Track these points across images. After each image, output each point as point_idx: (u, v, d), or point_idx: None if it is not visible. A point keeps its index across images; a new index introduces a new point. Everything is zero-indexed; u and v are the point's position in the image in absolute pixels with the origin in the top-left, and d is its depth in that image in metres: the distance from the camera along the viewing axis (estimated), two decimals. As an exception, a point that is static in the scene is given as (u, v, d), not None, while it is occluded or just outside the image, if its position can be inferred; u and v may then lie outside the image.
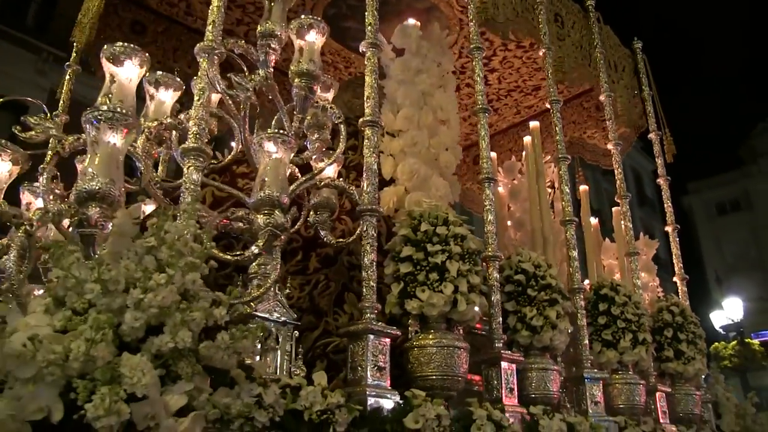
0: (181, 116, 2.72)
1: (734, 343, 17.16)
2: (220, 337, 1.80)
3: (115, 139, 1.82)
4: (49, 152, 2.26)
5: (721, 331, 18.04)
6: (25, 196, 2.53)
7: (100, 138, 1.81)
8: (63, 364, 1.57)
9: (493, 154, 4.10)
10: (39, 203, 2.43)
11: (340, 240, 2.82)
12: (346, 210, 3.20)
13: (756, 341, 21.70)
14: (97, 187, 1.75)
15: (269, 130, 2.29)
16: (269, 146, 2.24)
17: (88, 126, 1.84)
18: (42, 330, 1.65)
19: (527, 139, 4.18)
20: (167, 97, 2.67)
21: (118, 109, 1.84)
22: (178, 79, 2.74)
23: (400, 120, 3.19)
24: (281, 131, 2.28)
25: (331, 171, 2.88)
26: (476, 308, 2.82)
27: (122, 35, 4.67)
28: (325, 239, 2.81)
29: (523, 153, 4.36)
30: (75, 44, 4.41)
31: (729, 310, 18.11)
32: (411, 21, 3.55)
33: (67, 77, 4.40)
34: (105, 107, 1.84)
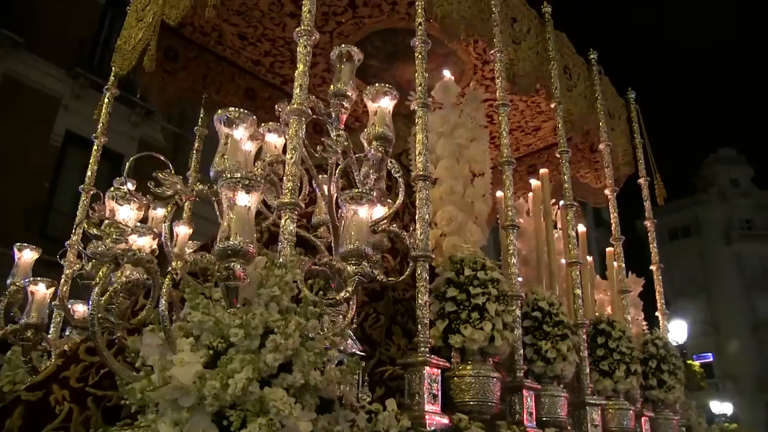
0: (258, 164, 3.03)
1: (677, 364, 18.02)
2: (332, 372, 2.14)
3: (248, 201, 2.14)
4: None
5: (665, 352, 18.98)
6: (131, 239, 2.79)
7: (235, 200, 2.13)
8: (220, 396, 1.89)
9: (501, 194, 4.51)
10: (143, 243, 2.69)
11: (391, 279, 3.17)
12: (387, 249, 3.55)
13: (697, 363, 22.83)
14: (239, 246, 2.06)
15: (354, 190, 2.63)
16: (355, 205, 2.58)
17: (223, 188, 2.15)
18: (196, 367, 1.97)
19: (535, 182, 4.59)
20: (251, 147, 2.98)
21: (251, 176, 2.17)
22: (261, 130, 3.05)
23: (439, 170, 3.56)
24: (365, 191, 2.62)
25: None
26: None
27: (156, 61, 4.91)
28: (377, 278, 3.15)
29: (529, 194, 4.76)
30: (114, 69, 4.63)
31: (674, 333, 19.08)
32: (448, 75, 3.93)
33: (106, 100, 4.62)
34: (239, 174, 2.16)
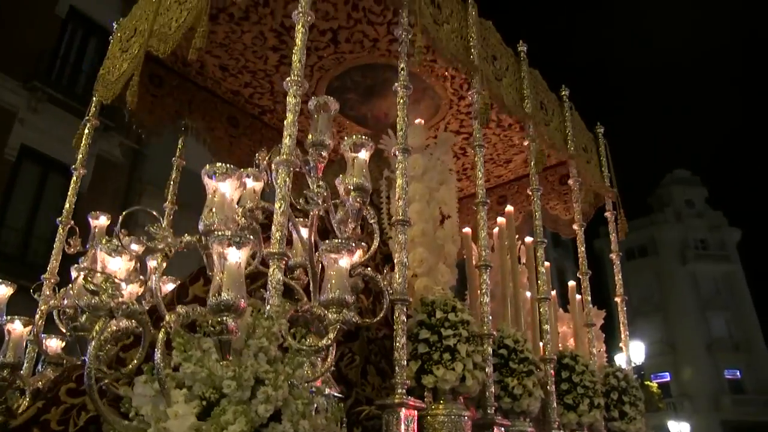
0: (239, 211, 3.13)
1: (635, 386, 18.44)
2: (318, 420, 2.26)
3: (239, 257, 2.25)
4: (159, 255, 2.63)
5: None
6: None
7: (226, 256, 2.24)
8: (214, 447, 1.99)
9: (468, 230, 4.68)
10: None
11: (366, 320, 3.28)
12: (361, 289, 3.67)
13: (654, 383, 23.32)
14: (231, 301, 2.17)
15: (335, 240, 2.75)
16: (336, 255, 2.70)
17: (215, 244, 2.25)
18: (191, 419, 2.06)
19: (500, 219, 4.77)
20: (234, 195, 3.07)
21: (242, 233, 2.28)
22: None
23: (411, 213, 3.68)
24: (346, 241, 2.75)
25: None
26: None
27: (142, 86, 4.93)
28: (352, 319, 3.26)
29: (495, 230, 4.93)
30: (95, 98, 4.68)
31: (632, 354, 19.53)
32: (419, 121, 4.10)
33: (86, 131, 4.66)
34: (229, 232, 2.27)
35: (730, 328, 36.36)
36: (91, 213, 4.31)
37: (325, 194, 2.97)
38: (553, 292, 5.06)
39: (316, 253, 3.08)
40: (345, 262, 2.73)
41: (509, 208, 4.77)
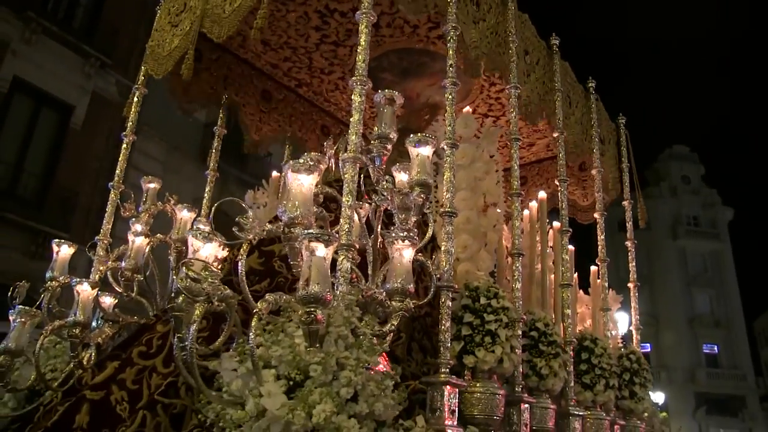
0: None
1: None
2: (390, 399, 2.50)
3: (325, 253, 2.44)
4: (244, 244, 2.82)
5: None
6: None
7: (315, 251, 2.42)
8: (305, 424, 2.23)
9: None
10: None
11: (414, 301, 3.51)
12: (409, 271, 3.89)
13: (636, 353, 23.89)
14: (319, 294, 2.37)
15: (397, 230, 2.96)
16: (399, 244, 2.91)
17: (305, 240, 2.44)
18: (281, 398, 2.29)
19: (533, 204, 4.96)
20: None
21: (330, 233, 2.47)
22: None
23: (457, 201, 3.86)
24: (410, 233, 2.95)
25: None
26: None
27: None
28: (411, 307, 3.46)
29: (524, 212, 5.11)
30: (144, 69, 4.80)
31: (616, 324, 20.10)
32: (468, 109, 4.26)
33: (135, 99, 4.79)
34: (317, 231, 2.45)
35: (713, 304, 37.08)
36: (144, 177, 4.49)
37: (392, 188, 3.16)
38: (576, 275, 5.30)
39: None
40: (409, 253, 2.94)
41: (542, 194, 4.93)
